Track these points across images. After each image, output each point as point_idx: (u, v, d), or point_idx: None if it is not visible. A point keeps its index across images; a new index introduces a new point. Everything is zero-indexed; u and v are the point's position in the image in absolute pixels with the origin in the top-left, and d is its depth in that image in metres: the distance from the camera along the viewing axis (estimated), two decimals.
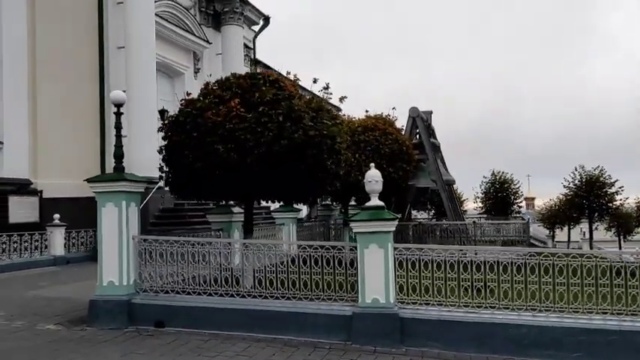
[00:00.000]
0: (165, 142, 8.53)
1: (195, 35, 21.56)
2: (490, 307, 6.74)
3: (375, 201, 7.07)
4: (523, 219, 23.00)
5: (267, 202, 9.82)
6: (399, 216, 14.94)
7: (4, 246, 13.60)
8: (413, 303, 6.95)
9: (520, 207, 34.78)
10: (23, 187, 15.78)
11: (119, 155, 7.85)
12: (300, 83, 8.79)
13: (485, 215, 31.39)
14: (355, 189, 13.14)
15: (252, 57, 27.15)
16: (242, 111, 7.80)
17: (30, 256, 14.18)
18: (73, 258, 15.04)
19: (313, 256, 7.19)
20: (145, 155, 14.74)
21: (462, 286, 6.89)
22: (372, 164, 7.28)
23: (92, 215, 7.98)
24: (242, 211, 9.93)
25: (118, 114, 7.92)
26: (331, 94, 8.77)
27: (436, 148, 18.77)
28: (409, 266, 6.96)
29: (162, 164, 8.71)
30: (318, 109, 8.45)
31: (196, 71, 22.06)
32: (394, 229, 7.06)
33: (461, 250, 7.48)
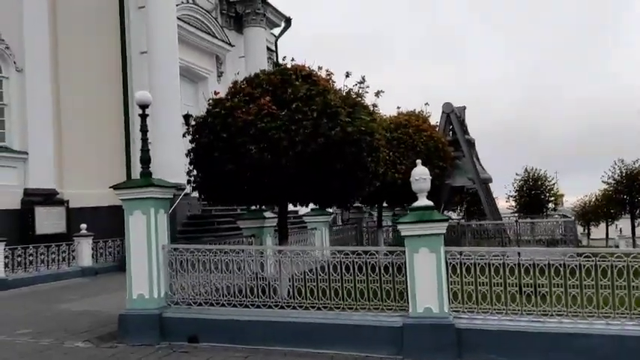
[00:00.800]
0: (193, 145, 8.06)
1: (217, 38, 21.21)
2: (557, 315, 6.07)
3: (423, 201, 6.46)
4: (566, 217, 21.91)
5: (298, 205, 9.22)
6: (450, 217, 14.23)
7: (30, 258, 13.30)
8: (469, 312, 6.32)
9: (556, 204, 33.57)
10: (49, 198, 15.58)
11: (146, 160, 7.39)
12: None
13: (517, 214, 30.33)
14: (390, 189, 12.51)
15: (275, 59, 26.72)
16: (274, 108, 7.29)
17: (57, 267, 13.84)
18: (102, 269, 14.70)
19: (356, 262, 6.62)
20: (170, 161, 14.31)
21: (524, 292, 6.23)
22: (419, 161, 6.65)
23: (120, 224, 7.55)
24: (274, 215, 9.42)
25: (144, 116, 7.44)
26: (368, 86, 8.18)
27: (471, 145, 17.99)
28: (463, 271, 6.34)
29: (190, 167, 8.24)
30: (354, 105, 7.90)
31: (219, 75, 21.67)
32: (445, 231, 6.45)
33: (519, 254, 6.82)
